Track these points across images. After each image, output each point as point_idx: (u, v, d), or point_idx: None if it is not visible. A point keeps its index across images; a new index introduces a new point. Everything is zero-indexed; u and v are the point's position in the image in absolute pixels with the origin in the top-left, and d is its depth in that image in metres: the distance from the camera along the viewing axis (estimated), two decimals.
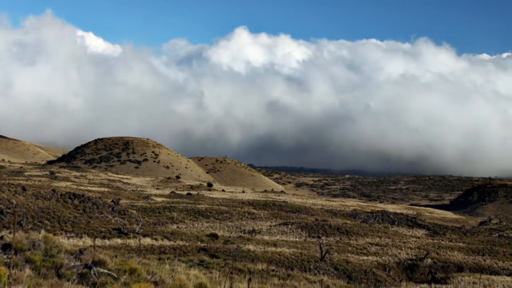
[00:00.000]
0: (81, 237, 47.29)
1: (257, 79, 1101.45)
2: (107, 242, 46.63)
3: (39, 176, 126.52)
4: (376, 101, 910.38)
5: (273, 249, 51.33)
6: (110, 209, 64.06)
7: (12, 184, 73.62)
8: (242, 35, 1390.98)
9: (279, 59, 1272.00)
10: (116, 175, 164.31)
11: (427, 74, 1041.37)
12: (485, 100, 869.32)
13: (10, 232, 35.15)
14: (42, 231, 36.02)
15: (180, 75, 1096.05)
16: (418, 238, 72.11)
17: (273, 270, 39.30)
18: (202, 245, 49.13)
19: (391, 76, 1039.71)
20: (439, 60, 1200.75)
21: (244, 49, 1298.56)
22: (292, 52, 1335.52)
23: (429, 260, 56.00)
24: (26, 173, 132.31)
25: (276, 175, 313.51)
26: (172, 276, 22.19)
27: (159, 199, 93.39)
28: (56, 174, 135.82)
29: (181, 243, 49.93)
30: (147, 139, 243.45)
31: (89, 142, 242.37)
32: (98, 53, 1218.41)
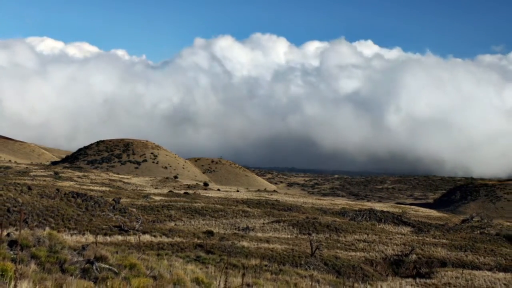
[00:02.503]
0: (83, 234, 47.26)
1: (248, 80, 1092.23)
2: (108, 238, 46.66)
3: (43, 176, 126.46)
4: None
5: (266, 245, 51.36)
6: (111, 207, 64.02)
7: (18, 183, 73.51)
8: (225, 40, 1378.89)
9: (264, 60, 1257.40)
10: (117, 175, 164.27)
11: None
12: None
13: (16, 229, 35.09)
14: (47, 228, 36.00)
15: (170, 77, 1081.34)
16: (404, 235, 72.20)
17: (266, 265, 39.34)
18: (199, 241, 49.12)
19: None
20: None
21: (229, 52, 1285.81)
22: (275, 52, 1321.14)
23: (414, 256, 56.10)
24: (31, 173, 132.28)
25: (269, 175, 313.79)
26: (170, 271, 22.21)
27: (157, 198, 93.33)
28: (60, 174, 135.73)
29: (178, 239, 49.93)
30: (146, 141, 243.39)
31: (91, 144, 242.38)
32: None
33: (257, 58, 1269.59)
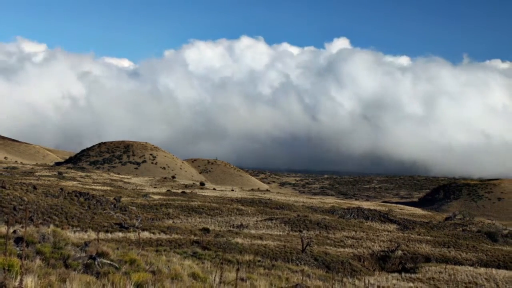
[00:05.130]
0: (86, 231, 47.19)
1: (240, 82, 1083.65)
2: (109, 235, 46.59)
3: (48, 176, 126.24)
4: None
5: (259, 242, 51.38)
6: (112, 206, 63.98)
7: (24, 183, 73.37)
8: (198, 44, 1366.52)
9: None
10: (117, 175, 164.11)
11: None
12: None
13: (22, 227, 35.03)
14: (51, 226, 35.92)
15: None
16: (390, 232, 72.32)
17: (259, 261, 39.35)
18: (195, 238, 49.12)
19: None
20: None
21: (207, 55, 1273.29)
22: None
23: (400, 252, 56.22)
24: (36, 174, 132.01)
25: (262, 175, 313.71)
26: (168, 266, 22.21)
27: (156, 197, 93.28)
28: (64, 174, 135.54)
29: (176, 236, 49.92)
30: (146, 142, 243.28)
31: (94, 146, 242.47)
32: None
33: (237, 60, 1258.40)
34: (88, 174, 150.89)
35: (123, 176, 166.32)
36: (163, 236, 49.82)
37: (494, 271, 49.77)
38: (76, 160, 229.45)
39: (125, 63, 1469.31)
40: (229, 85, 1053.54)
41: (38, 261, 17.39)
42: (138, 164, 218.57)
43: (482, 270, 50.02)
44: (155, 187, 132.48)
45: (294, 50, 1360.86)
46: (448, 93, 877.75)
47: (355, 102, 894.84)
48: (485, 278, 45.86)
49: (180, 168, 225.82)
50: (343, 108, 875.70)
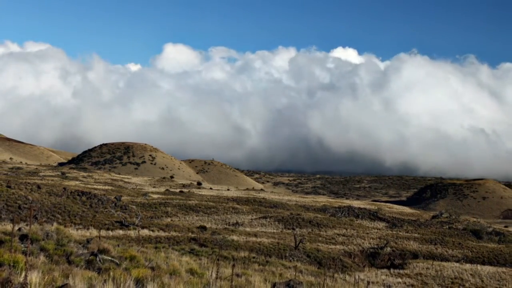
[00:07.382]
0: (88, 229, 47.17)
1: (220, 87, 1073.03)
2: (110, 233, 46.57)
3: (52, 176, 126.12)
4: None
5: (254, 239, 51.39)
6: (113, 204, 63.91)
7: (28, 183, 73.28)
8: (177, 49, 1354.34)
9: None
10: (118, 175, 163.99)
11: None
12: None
13: (26, 225, 34.97)
14: (55, 224, 35.96)
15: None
16: (379, 229, 72.38)
17: (254, 257, 39.39)
18: (193, 235, 49.09)
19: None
20: None
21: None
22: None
23: (389, 249, 56.28)
24: (40, 174, 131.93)
25: (257, 175, 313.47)
26: (166, 263, 22.24)
27: (155, 196, 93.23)
28: (67, 174, 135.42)
29: (174, 234, 49.89)
30: (145, 144, 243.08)
31: (95, 147, 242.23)
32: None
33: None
34: (90, 174, 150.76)
35: (123, 176, 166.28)
36: (162, 233, 49.80)
37: (479, 267, 49.88)
38: (78, 161, 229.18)
39: (116, 66, 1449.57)
40: (216, 90, 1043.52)
41: (42, 258, 17.42)
42: (138, 164, 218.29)
43: (468, 266, 50.12)
44: (154, 187, 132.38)
45: (279, 53, 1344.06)
46: (420, 90, 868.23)
47: (331, 103, 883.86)
48: (471, 274, 45.97)
49: (178, 169, 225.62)
50: (324, 108, 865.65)
